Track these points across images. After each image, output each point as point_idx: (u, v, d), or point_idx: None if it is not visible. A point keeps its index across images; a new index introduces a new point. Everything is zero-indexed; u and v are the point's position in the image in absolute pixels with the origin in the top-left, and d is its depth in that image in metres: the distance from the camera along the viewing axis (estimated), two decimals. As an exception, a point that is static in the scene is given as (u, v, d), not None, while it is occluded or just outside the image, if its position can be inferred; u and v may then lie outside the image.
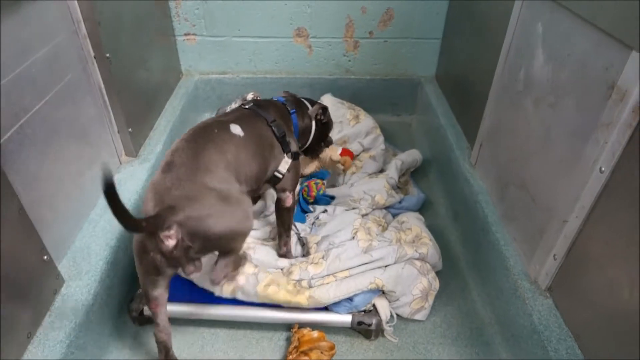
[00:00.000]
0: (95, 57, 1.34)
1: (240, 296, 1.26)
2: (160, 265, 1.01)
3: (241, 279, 1.25)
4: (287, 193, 1.37)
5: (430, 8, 2.01)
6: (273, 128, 1.31)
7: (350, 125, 1.91)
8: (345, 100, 2.05)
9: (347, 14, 2.02)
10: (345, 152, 1.71)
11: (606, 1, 0.86)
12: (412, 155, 1.82)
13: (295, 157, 1.36)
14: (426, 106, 2.10)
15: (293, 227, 1.49)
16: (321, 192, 1.62)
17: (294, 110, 1.46)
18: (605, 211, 0.89)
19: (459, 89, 1.87)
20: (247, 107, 1.35)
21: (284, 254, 1.43)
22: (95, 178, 1.36)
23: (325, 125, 1.58)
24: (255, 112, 1.33)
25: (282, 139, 1.32)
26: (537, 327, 1.02)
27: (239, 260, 1.28)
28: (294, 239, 1.47)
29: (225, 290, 1.26)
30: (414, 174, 1.86)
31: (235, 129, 1.21)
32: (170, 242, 0.95)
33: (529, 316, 1.06)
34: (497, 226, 1.30)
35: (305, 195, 1.64)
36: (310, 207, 1.63)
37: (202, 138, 1.15)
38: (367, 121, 1.94)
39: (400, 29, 2.07)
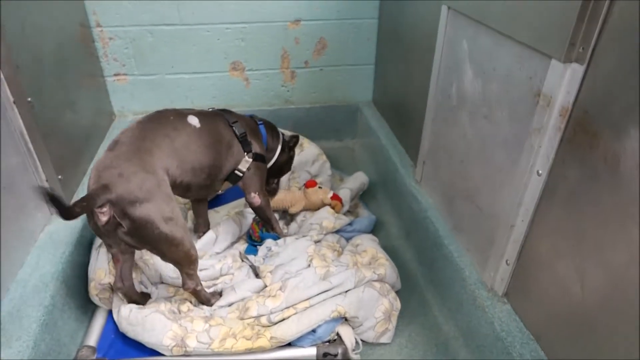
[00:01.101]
0: (14, 102, 1.24)
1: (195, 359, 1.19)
2: (101, 234, 1.13)
3: (191, 343, 1.17)
4: (253, 194, 1.44)
5: (361, 34, 2.08)
6: (233, 128, 1.38)
7: (296, 154, 1.91)
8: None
9: (281, 45, 2.05)
10: (336, 197, 1.69)
11: (522, 17, 0.93)
12: (358, 180, 1.84)
13: (257, 158, 1.43)
14: (367, 130, 2.14)
15: (245, 259, 1.47)
16: (264, 230, 1.58)
17: (261, 122, 1.53)
18: (548, 212, 0.93)
19: (397, 110, 1.93)
20: (212, 109, 1.44)
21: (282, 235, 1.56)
22: (22, 232, 1.24)
23: (290, 158, 1.66)
24: (218, 113, 1.41)
25: (242, 138, 1.38)
26: (499, 334, 1.03)
27: (206, 297, 1.29)
28: (245, 269, 1.43)
29: (175, 352, 1.17)
30: (362, 196, 1.87)
31: (192, 120, 1.27)
32: (103, 218, 1.03)
33: (490, 324, 1.07)
34: (449, 239, 1.32)
35: (252, 238, 1.59)
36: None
37: (155, 122, 1.21)
38: (311, 149, 1.95)
39: (334, 57, 2.13)
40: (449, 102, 1.31)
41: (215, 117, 1.37)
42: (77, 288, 1.31)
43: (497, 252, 1.09)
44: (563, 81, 0.83)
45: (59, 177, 1.40)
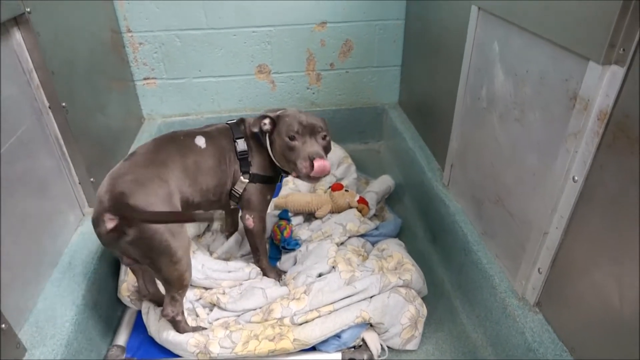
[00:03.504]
0: (50, 107, 1.28)
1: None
2: (104, 243, 1.10)
3: (215, 349, 1.17)
4: (247, 215, 1.36)
5: (387, 36, 2.06)
6: (236, 146, 1.32)
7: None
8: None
9: (306, 47, 2.05)
10: (362, 200, 1.67)
11: (557, 17, 0.90)
12: (385, 183, 1.82)
13: (254, 179, 1.33)
14: (393, 132, 2.12)
15: (278, 275, 1.45)
16: (285, 233, 1.56)
17: (239, 135, 1.35)
18: (584, 219, 0.89)
19: (424, 112, 1.90)
20: (230, 121, 1.39)
21: (264, 273, 1.44)
22: (56, 233, 1.28)
23: (279, 137, 1.28)
24: (227, 129, 1.36)
25: (242, 157, 1.32)
26: (531, 345, 0.99)
27: (184, 329, 1.22)
28: (272, 283, 1.41)
29: (200, 357, 1.18)
30: (388, 200, 1.85)
31: (199, 141, 1.28)
32: (109, 225, 1.02)
33: (521, 334, 1.03)
34: (478, 244, 1.29)
35: (274, 241, 1.59)
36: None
37: (168, 140, 1.26)
38: (337, 151, 1.94)
39: (360, 58, 2.11)
40: (479, 104, 1.28)
41: (221, 135, 1.33)
42: (108, 288, 1.35)
43: (529, 259, 1.05)
44: (602, 84, 0.80)
45: (91, 179, 1.44)
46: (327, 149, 1.30)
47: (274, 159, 1.33)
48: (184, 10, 1.90)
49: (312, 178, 1.23)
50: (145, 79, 2.04)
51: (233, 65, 2.05)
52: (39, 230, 1.20)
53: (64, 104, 1.31)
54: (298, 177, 1.26)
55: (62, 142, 1.33)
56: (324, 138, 1.28)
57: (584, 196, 0.88)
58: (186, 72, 2.05)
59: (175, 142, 1.25)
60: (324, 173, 1.21)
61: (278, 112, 1.32)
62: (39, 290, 1.18)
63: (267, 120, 1.29)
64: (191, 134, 1.29)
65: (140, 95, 2.09)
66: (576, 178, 0.88)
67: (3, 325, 0.96)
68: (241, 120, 1.38)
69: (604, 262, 0.84)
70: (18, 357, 1.01)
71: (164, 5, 1.88)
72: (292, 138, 1.25)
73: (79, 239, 1.35)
